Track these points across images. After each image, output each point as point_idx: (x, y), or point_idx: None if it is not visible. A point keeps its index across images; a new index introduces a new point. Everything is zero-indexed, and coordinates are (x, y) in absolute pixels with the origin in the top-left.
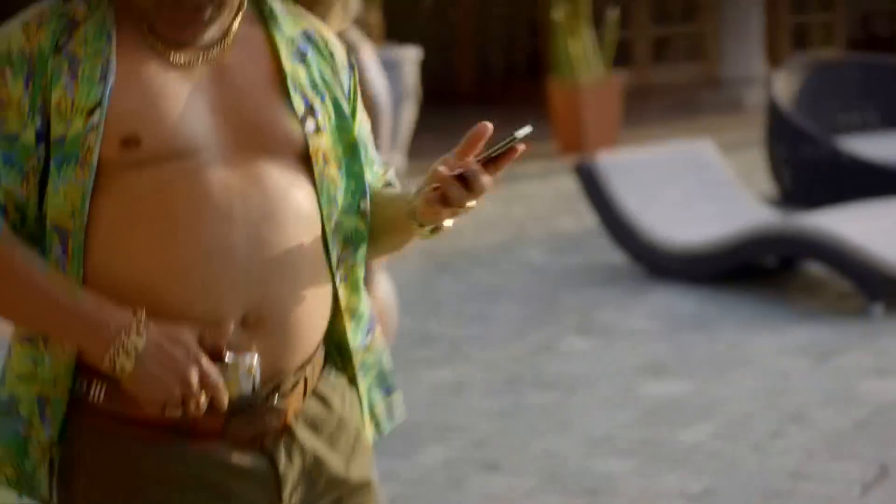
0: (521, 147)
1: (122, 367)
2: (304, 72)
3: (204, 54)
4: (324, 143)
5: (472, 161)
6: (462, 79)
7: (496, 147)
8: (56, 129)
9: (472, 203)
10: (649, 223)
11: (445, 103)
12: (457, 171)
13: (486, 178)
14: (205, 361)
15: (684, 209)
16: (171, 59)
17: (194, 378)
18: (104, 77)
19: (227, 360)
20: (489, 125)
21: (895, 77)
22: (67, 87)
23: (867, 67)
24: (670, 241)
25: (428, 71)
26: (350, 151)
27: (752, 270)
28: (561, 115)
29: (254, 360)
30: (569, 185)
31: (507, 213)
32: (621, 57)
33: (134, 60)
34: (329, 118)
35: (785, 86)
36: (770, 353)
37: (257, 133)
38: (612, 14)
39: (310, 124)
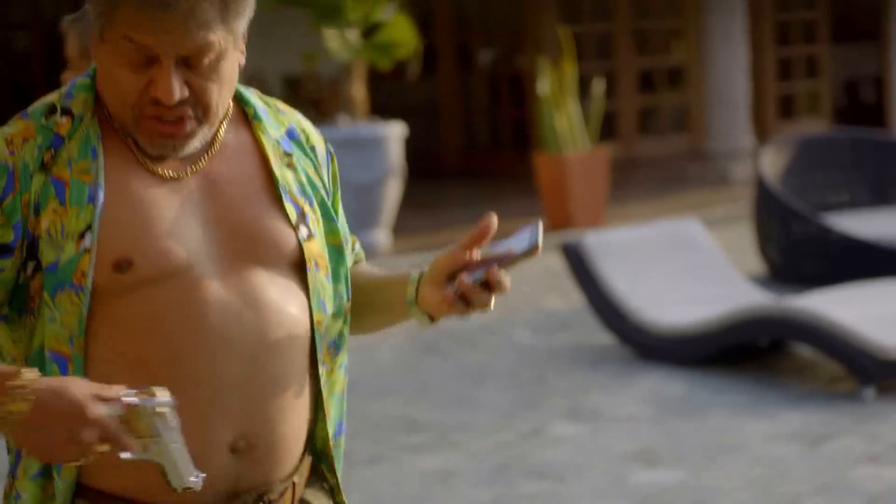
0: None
1: (7, 432)
2: (292, 176)
3: (192, 165)
4: (315, 249)
5: (494, 267)
6: (447, 151)
7: (518, 254)
8: (47, 256)
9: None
10: (637, 304)
11: (431, 176)
12: (479, 278)
13: (508, 281)
14: (97, 414)
15: (673, 289)
16: (160, 172)
17: (87, 435)
18: (93, 198)
19: (126, 401)
20: (495, 219)
21: (882, 152)
22: (56, 211)
23: (854, 142)
24: (659, 323)
25: (413, 144)
26: (337, 255)
27: (742, 350)
28: (547, 190)
29: (162, 400)
30: (555, 261)
31: None
32: (607, 128)
33: (122, 177)
34: (318, 223)
35: (772, 162)
36: (762, 438)
37: (250, 244)
38: (598, 87)
39: (303, 231)
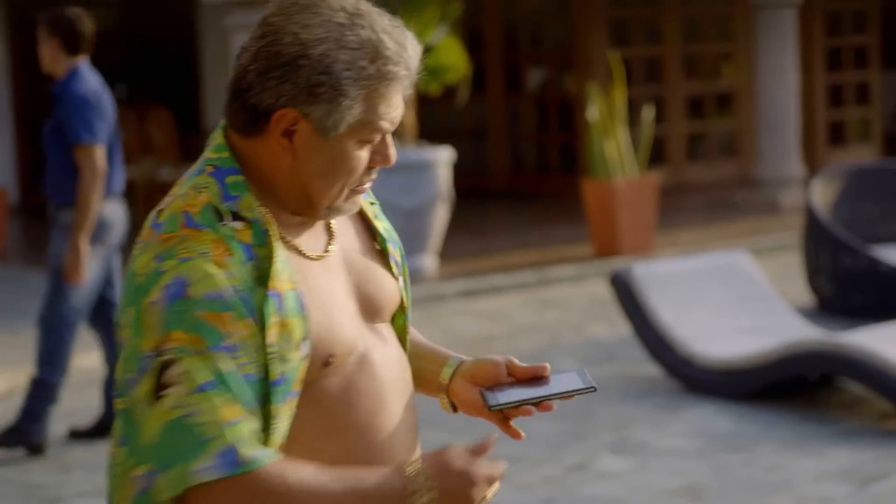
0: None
1: None
2: (382, 226)
3: (328, 238)
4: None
5: (549, 403)
6: (495, 173)
7: (575, 391)
8: (275, 371)
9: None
10: (685, 336)
11: (477, 198)
12: (536, 400)
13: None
14: (483, 472)
15: (721, 322)
16: (311, 255)
17: (482, 490)
18: (302, 306)
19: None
20: (549, 369)
21: None
22: (278, 324)
23: None
24: (707, 355)
25: (460, 166)
26: (406, 290)
27: (791, 384)
28: (595, 216)
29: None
30: (602, 288)
31: (539, 320)
32: (655, 153)
33: (303, 277)
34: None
35: (822, 192)
36: (810, 477)
37: (378, 303)
38: (648, 114)
39: (400, 280)
